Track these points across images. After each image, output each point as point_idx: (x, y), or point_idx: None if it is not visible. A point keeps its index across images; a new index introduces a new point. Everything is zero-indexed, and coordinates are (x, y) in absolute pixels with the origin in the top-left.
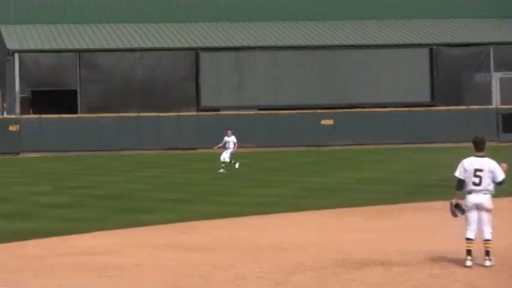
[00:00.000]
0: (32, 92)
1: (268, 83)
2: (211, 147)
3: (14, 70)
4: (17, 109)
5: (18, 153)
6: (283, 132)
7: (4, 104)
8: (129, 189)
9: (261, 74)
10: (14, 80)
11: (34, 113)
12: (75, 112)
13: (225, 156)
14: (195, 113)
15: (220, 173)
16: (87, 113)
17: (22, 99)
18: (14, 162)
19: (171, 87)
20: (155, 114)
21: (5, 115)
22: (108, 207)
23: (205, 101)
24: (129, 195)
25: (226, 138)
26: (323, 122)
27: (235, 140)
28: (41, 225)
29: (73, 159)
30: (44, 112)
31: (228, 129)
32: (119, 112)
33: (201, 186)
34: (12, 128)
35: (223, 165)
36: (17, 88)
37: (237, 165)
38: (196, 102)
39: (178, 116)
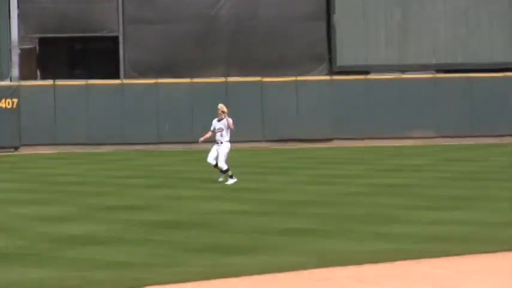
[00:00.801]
0: (41, 40)
1: (456, 27)
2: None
3: (8, 4)
4: (13, 71)
5: (16, 149)
6: (484, 110)
7: None
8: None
9: (441, 9)
10: (9, 20)
11: (43, 77)
12: (116, 76)
13: (217, 155)
14: (325, 78)
15: (228, 183)
16: (136, 78)
17: (23, 53)
18: (10, 166)
19: (282, 35)
20: (255, 78)
21: None
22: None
23: (343, 58)
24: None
25: (215, 123)
26: None
27: (230, 123)
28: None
29: (114, 160)
30: (61, 75)
31: (222, 108)
32: (191, 76)
33: (343, 206)
34: (4, 103)
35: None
36: (14, 34)
37: (230, 181)
38: (328, 60)
39: (296, 83)
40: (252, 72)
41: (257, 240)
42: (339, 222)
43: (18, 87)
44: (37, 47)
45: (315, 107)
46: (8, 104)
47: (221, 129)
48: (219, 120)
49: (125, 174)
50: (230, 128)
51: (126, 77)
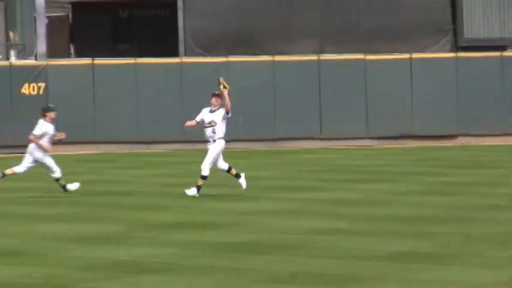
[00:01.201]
0: (74, 6)
1: None
2: None
3: None
4: (39, 46)
5: None
6: None
7: (12, 35)
8: None
9: None
10: None
11: (79, 54)
12: (173, 53)
13: (208, 160)
14: (448, 55)
15: (188, 192)
16: (200, 55)
17: (51, 23)
18: (35, 171)
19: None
20: (357, 56)
21: (13, 60)
22: None
23: (472, 29)
24: None
25: (206, 113)
26: None
27: (222, 116)
28: None
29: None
30: (101, 52)
31: (214, 96)
32: (272, 53)
33: (471, 223)
34: (27, 89)
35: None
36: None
37: (192, 191)
38: (453, 32)
39: (410, 61)
40: (353, 48)
41: (358, 268)
42: (465, 244)
43: (45, 68)
44: (70, 15)
45: (435, 93)
46: (33, 90)
47: (214, 123)
48: (212, 111)
49: (184, 181)
50: (226, 112)
51: (187, 55)
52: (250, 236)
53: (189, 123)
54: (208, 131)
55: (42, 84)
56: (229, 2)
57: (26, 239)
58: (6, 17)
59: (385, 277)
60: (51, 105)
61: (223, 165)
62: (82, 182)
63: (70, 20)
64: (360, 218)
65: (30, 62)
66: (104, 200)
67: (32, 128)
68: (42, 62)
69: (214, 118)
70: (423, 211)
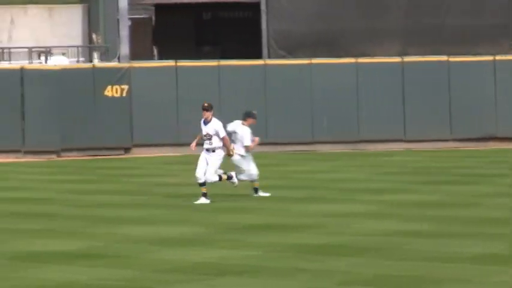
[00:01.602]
0: (158, 8)
1: None
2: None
3: None
4: (122, 48)
5: (126, 151)
6: None
7: (95, 37)
8: None
9: None
10: None
11: (162, 56)
12: (257, 54)
13: (208, 170)
14: None
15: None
16: (283, 57)
17: (135, 25)
18: (118, 173)
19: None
20: (441, 58)
21: (96, 62)
22: None
23: None
24: None
25: (202, 125)
26: None
27: (220, 131)
28: None
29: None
30: (184, 54)
31: (205, 108)
32: (355, 55)
33: None
34: (110, 91)
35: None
36: (123, 0)
37: (202, 200)
38: None
39: (494, 64)
40: (436, 50)
41: (440, 270)
42: None
43: (128, 70)
44: (153, 17)
45: None
46: (116, 92)
47: (208, 136)
48: (206, 123)
49: (267, 183)
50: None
51: (270, 57)
52: (334, 238)
53: (194, 144)
54: (205, 143)
55: (125, 87)
56: (312, 4)
57: (110, 241)
58: (89, 20)
59: (467, 280)
60: (254, 111)
61: (202, 178)
62: (164, 185)
63: (153, 22)
64: (444, 220)
65: (114, 64)
66: (187, 203)
67: (112, 130)
68: (125, 64)
69: (208, 130)
70: (509, 214)
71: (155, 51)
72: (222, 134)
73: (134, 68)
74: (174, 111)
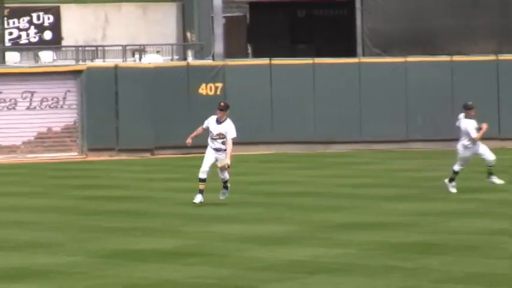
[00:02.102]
0: (252, 6)
1: None
2: None
3: None
4: (216, 46)
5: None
6: None
7: (190, 35)
8: None
9: None
10: None
11: (256, 54)
12: (351, 53)
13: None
14: None
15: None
16: (377, 55)
17: (229, 23)
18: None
19: None
20: None
21: (191, 60)
22: None
23: None
24: None
25: (212, 122)
26: None
27: (232, 131)
28: None
29: None
30: (279, 52)
31: (221, 108)
32: (450, 53)
33: None
34: (205, 89)
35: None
36: (217, 0)
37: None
38: None
39: None
40: None
41: None
42: None
43: (222, 68)
44: (247, 15)
45: None
46: (210, 90)
47: (222, 136)
48: (219, 122)
49: (361, 182)
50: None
51: (364, 55)
52: (427, 236)
53: (191, 136)
54: (216, 143)
55: (219, 85)
56: (407, 2)
57: (203, 239)
58: (183, 18)
59: None
60: (471, 103)
61: (205, 174)
62: (258, 183)
63: (247, 20)
64: None
65: (208, 62)
66: (281, 201)
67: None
68: (219, 62)
69: (222, 130)
70: None
71: (249, 49)
72: (232, 135)
73: (228, 66)
74: (268, 109)
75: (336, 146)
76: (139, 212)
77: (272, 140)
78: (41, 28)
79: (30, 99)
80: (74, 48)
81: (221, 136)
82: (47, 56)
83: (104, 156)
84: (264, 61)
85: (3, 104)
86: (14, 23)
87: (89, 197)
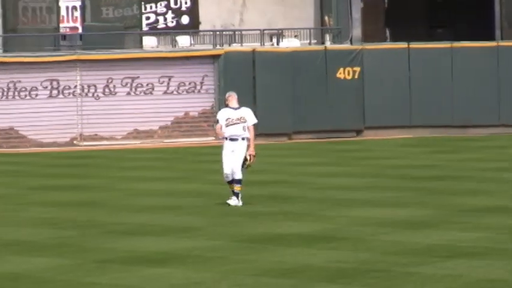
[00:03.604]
0: None
1: None
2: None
3: None
4: (354, 30)
5: (358, 133)
6: None
7: (327, 20)
8: None
9: None
10: None
11: (394, 38)
12: (489, 36)
13: (234, 164)
14: None
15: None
16: None
17: (367, 7)
18: (349, 156)
19: None
20: None
21: (328, 44)
22: None
23: None
24: None
25: (229, 111)
26: None
27: (252, 117)
28: None
29: None
30: (417, 36)
31: (230, 95)
32: None
33: None
34: (342, 73)
35: (236, 188)
36: None
37: (234, 201)
38: None
39: None
40: None
41: None
42: None
43: (360, 52)
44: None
45: None
46: (348, 74)
47: (243, 120)
48: (235, 108)
49: (500, 166)
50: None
51: (503, 38)
52: None
53: (219, 130)
54: (236, 129)
55: (357, 69)
56: None
57: (341, 224)
58: (321, 2)
59: None
60: None
61: (231, 176)
62: (397, 167)
63: (385, 4)
64: None
65: (346, 46)
66: (419, 185)
67: (344, 112)
68: (357, 46)
69: (242, 114)
70: None
71: (387, 33)
72: (254, 121)
73: (366, 50)
74: (406, 93)
75: (473, 130)
76: (278, 196)
77: (410, 124)
78: (178, 12)
79: (168, 84)
80: (211, 33)
81: (242, 120)
82: (184, 41)
83: None
84: (402, 45)
85: (140, 89)
86: (151, 7)
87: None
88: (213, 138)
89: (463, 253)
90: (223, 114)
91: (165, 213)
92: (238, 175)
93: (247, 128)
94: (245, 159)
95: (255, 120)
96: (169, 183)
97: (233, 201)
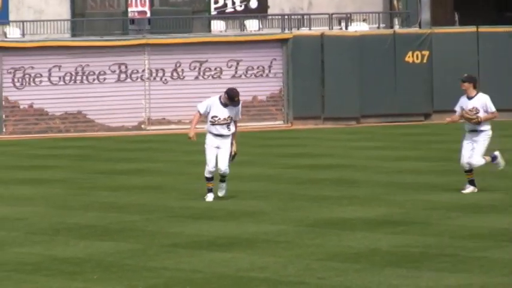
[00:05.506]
0: None
1: None
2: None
3: None
4: (423, 14)
5: (426, 117)
6: None
7: (396, 3)
8: None
9: None
10: None
11: (463, 22)
12: None
13: (222, 159)
14: None
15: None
16: None
17: None
18: (415, 139)
19: None
20: None
21: (397, 28)
22: None
23: None
24: None
25: (216, 106)
26: None
27: (239, 114)
28: None
29: None
30: (487, 21)
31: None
32: None
33: None
34: (411, 57)
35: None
36: None
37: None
38: None
39: None
40: None
41: None
42: None
43: (429, 36)
44: None
45: None
46: (417, 58)
47: (229, 119)
48: (226, 105)
49: None
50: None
51: None
52: None
53: (192, 133)
54: (222, 128)
55: (426, 53)
56: None
57: (408, 208)
58: None
59: None
60: None
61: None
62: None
63: None
64: None
65: (414, 30)
66: (486, 169)
67: (413, 96)
68: (426, 30)
69: (230, 113)
70: None
71: (456, 17)
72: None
73: (435, 34)
74: None
75: None
76: (346, 181)
77: None
78: None
79: (236, 68)
80: (279, 17)
81: (229, 119)
82: (252, 25)
83: (309, 125)
84: (471, 29)
85: (208, 73)
86: None
87: (294, 166)
88: (282, 122)
89: None
90: (209, 105)
91: (230, 197)
92: (228, 171)
93: (233, 123)
94: (233, 154)
95: (240, 117)
96: (236, 167)
97: (210, 197)
